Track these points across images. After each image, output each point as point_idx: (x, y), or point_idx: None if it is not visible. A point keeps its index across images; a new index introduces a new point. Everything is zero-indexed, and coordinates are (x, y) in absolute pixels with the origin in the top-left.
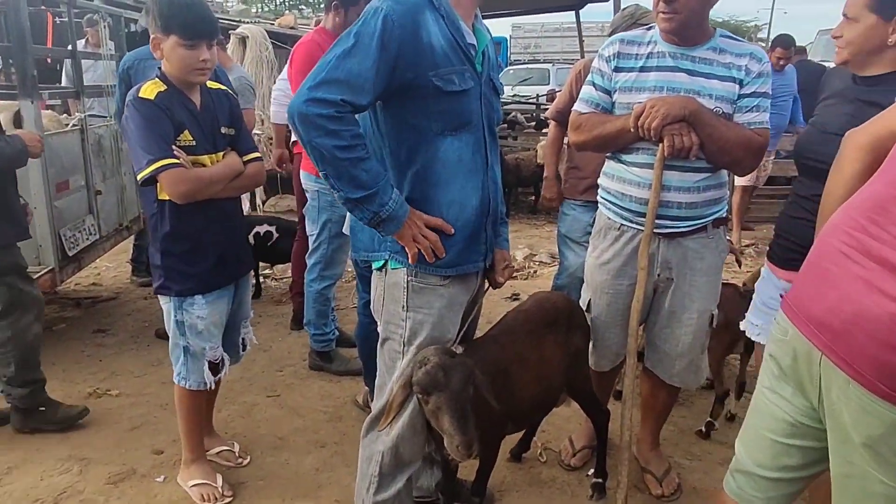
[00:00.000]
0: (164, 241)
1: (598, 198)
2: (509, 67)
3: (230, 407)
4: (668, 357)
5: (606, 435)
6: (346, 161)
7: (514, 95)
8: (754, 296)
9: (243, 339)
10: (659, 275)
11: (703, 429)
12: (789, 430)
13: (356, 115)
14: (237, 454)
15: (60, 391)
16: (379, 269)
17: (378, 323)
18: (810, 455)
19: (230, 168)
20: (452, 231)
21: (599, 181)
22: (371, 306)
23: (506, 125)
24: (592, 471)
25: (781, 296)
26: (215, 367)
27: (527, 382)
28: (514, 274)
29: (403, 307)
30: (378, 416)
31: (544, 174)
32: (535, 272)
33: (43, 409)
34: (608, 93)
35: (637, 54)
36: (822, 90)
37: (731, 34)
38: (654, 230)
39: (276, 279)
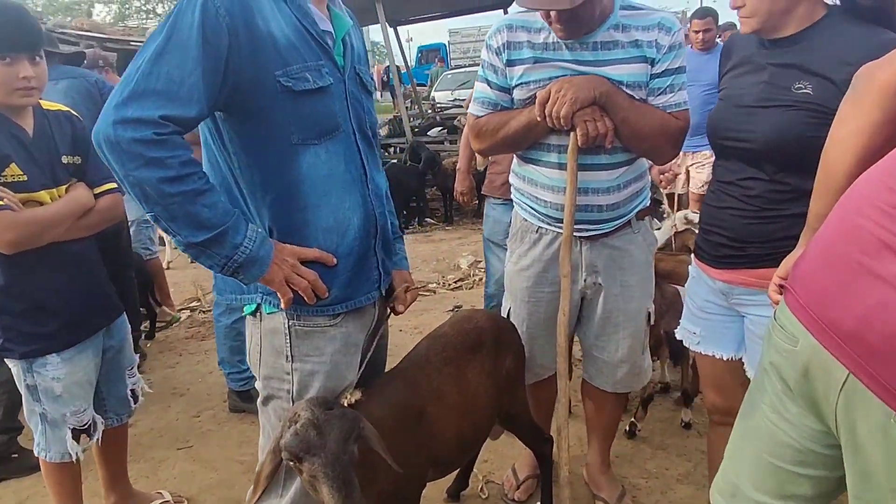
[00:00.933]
0: None
1: (513, 197)
2: (447, 72)
3: (134, 465)
4: (608, 366)
5: (551, 464)
6: (178, 196)
7: (454, 100)
8: (686, 299)
9: (133, 390)
10: (585, 280)
11: (627, 428)
12: (796, 456)
13: (185, 135)
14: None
15: None
16: (252, 315)
17: (257, 378)
18: (824, 485)
19: (75, 203)
20: (335, 261)
21: (510, 179)
22: (247, 358)
23: (445, 130)
24: None
25: (784, 286)
26: (86, 431)
27: (448, 421)
28: (459, 284)
29: (287, 357)
30: None
31: (457, 167)
32: (481, 279)
33: (16, 455)
34: (506, 90)
35: (529, 42)
36: (724, 60)
37: (632, 3)
38: (575, 234)
39: (203, 311)
